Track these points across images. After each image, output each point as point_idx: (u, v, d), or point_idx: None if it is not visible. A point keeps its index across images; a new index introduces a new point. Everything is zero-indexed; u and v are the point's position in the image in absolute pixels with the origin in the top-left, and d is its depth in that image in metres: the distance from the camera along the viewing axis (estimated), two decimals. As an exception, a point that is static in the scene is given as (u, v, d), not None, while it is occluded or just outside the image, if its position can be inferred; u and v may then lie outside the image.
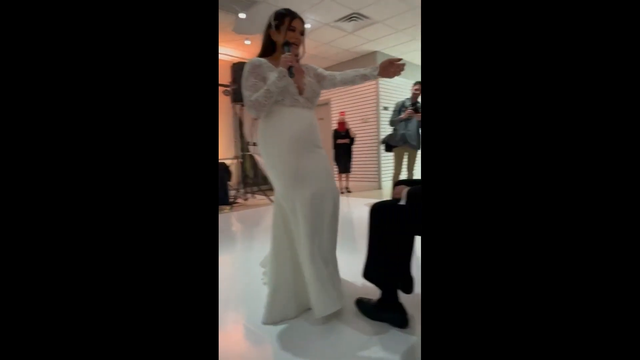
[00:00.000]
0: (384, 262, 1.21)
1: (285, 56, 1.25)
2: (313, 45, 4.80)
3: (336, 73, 1.49)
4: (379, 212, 1.18)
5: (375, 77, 1.43)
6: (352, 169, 5.43)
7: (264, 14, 1.90)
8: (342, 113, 5.32)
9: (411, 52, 5.55)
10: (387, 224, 1.16)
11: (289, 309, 1.34)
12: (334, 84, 1.49)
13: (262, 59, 1.34)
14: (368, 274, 1.26)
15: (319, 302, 1.25)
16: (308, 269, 1.28)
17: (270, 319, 1.30)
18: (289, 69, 1.24)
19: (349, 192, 5.43)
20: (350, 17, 4.05)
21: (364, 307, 1.33)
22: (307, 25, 3.97)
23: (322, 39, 4.63)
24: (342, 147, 5.18)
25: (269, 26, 1.36)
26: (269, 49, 1.39)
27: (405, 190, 1.12)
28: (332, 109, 6.45)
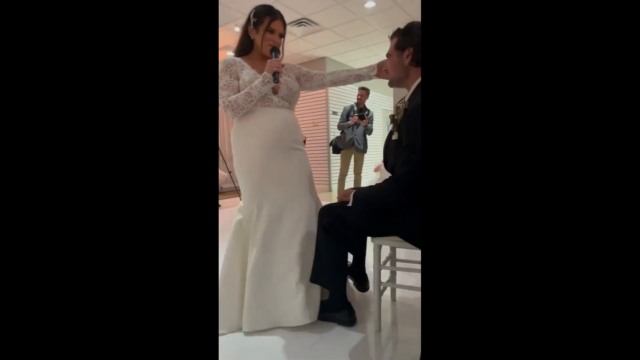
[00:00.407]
0: (332, 264, 1.23)
1: (272, 61, 1.21)
2: (262, 47, 4.75)
3: (326, 73, 1.45)
4: (326, 214, 1.20)
5: (370, 78, 1.40)
6: None
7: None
8: None
9: (359, 60, 5.76)
10: (335, 226, 1.19)
11: (232, 320, 1.26)
12: (322, 84, 1.46)
13: (237, 58, 1.29)
14: (316, 277, 1.27)
15: (245, 317, 1.23)
16: (248, 281, 1.24)
17: (245, 327, 1.23)
18: (274, 74, 1.20)
19: None
20: (299, 22, 4.09)
21: (314, 308, 1.34)
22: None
23: (271, 42, 4.60)
24: None
25: (248, 22, 1.29)
26: (245, 48, 1.33)
27: (352, 192, 1.16)
28: (283, 112, 6.42)
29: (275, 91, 1.30)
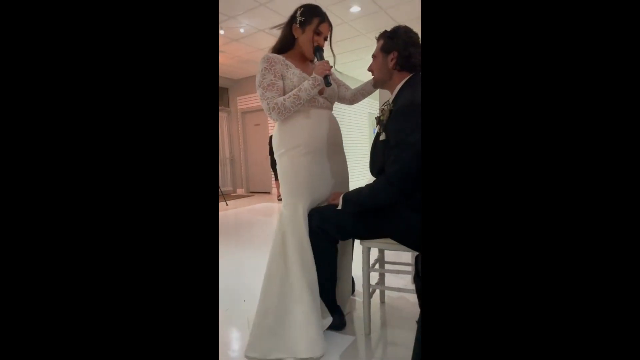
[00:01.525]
0: (321, 267, 1.23)
1: (322, 63, 1.17)
2: (247, 50, 4.72)
3: (350, 88, 1.47)
4: (316, 217, 1.20)
5: (372, 91, 1.42)
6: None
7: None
8: None
9: (346, 63, 5.81)
10: (324, 229, 1.18)
11: (269, 346, 1.08)
12: (344, 97, 1.45)
13: (279, 55, 1.23)
14: None
15: (305, 343, 1.06)
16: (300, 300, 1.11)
17: (251, 352, 1.09)
18: (326, 77, 1.16)
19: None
20: (285, 25, 4.09)
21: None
22: (241, 30, 3.90)
23: (256, 45, 4.58)
24: None
25: (293, 20, 1.24)
26: (287, 45, 1.26)
27: (340, 196, 1.16)
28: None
29: (321, 92, 1.25)
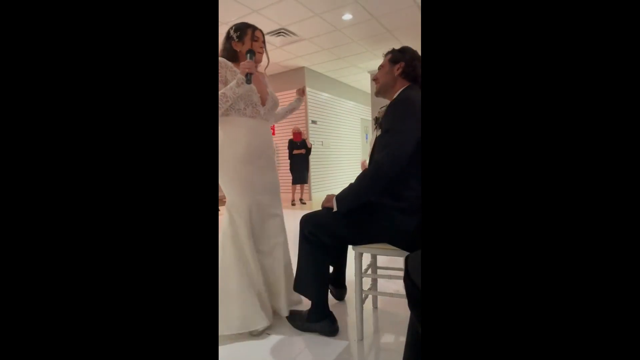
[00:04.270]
0: (314, 274, 1.23)
1: (245, 62, 1.23)
2: (241, 56, 4.74)
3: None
4: (308, 223, 1.20)
5: (299, 106, 1.64)
6: (308, 180, 5.41)
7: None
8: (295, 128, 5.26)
9: (337, 70, 5.86)
10: (316, 235, 1.18)
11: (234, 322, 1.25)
12: (274, 116, 1.54)
13: (229, 62, 1.31)
14: (299, 286, 1.27)
15: (241, 316, 1.24)
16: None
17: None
18: (247, 75, 1.22)
19: (303, 203, 5.33)
20: (278, 32, 4.13)
21: (295, 320, 1.32)
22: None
23: (250, 51, 4.61)
24: (298, 157, 5.16)
25: (229, 38, 1.36)
26: (232, 59, 1.36)
27: (333, 197, 1.17)
28: (262, 121, 6.40)
29: (263, 102, 1.34)
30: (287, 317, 1.35)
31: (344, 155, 6.99)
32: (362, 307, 1.22)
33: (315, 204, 5.28)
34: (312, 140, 5.78)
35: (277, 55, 5.00)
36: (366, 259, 1.54)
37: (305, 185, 5.55)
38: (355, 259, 1.21)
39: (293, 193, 5.29)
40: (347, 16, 3.77)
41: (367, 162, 1.25)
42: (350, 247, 1.25)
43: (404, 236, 1.07)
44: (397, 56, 1.21)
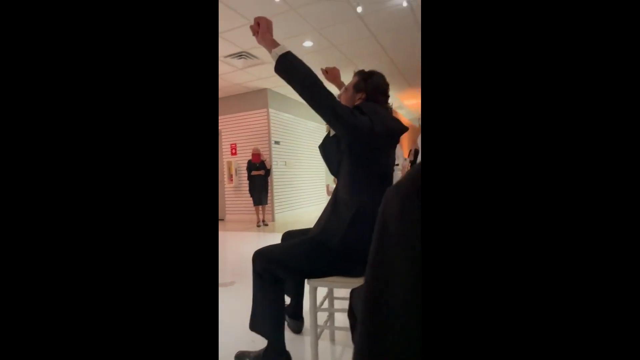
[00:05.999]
0: (270, 312, 1.20)
1: None
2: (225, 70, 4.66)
3: None
4: (260, 259, 1.18)
5: None
6: (268, 201, 5.30)
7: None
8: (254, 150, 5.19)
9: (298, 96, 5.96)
10: (270, 272, 1.16)
11: None
12: None
13: None
14: (255, 325, 1.22)
15: None
16: None
17: None
18: None
19: (265, 225, 5.21)
20: (239, 55, 4.14)
21: (246, 361, 1.27)
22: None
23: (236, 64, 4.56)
24: (258, 178, 5.04)
25: None
26: None
27: (283, 234, 1.16)
28: (223, 139, 6.30)
29: None
30: (235, 358, 1.30)
31: (307, 176, 7.02)
32: (317, 344, 1.20)
33: (279, 225, 5.22)
34: (275, 160, 5.77)
35: (239, 76, 5.00)
36: (322, 291, 1.53)
37: (267, 206, 5.48)
38: (309, 293, 1.20)
39: (257, 214, 5.19)
40: (308, 43, 3.89)
41: (332, 187, 1.26)
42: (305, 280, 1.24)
43: (354, 265, 1.09)
44: (361, 85, 1.21)
